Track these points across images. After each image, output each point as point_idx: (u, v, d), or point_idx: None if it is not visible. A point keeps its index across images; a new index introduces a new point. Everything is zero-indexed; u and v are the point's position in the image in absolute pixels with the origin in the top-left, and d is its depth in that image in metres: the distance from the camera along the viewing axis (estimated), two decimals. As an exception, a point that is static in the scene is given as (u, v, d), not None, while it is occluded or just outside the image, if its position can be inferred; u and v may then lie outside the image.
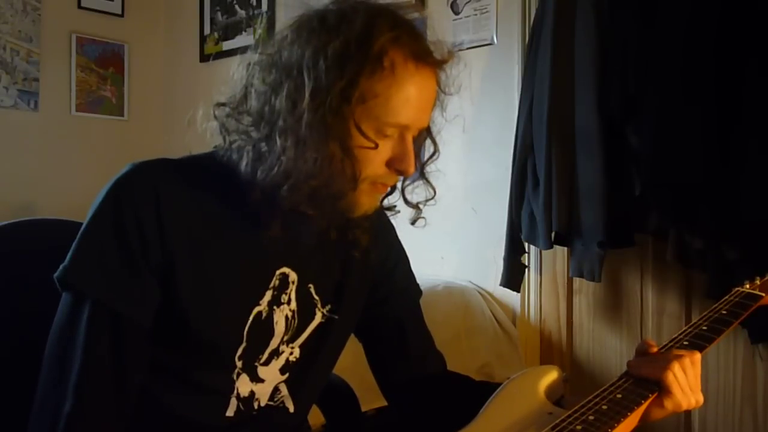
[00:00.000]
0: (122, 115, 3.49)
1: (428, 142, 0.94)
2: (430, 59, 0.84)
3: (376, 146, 0.81)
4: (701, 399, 0.83)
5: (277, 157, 0.79)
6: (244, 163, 0.82)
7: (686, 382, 0.82)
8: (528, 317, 2.27)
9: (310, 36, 0.80)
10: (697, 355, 0.84)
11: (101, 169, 3.13)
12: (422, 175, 0.94)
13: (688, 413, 1.96)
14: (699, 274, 1.86)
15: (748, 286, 1.02)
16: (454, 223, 2.39)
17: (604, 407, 0.78)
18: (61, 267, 0.80)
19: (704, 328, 0.91)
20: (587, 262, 1.87)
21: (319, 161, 0.79)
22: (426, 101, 0.85)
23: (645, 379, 0.83)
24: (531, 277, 2.24)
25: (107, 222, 0.80)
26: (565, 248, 2.02)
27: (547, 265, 2.22)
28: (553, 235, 1.93)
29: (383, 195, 0.92)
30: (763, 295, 0.99)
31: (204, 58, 3.42)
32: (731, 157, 1.65)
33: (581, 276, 1.91)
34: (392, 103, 0.80)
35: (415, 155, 0.85)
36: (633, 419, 0.79)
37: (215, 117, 0.86)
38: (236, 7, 3.28)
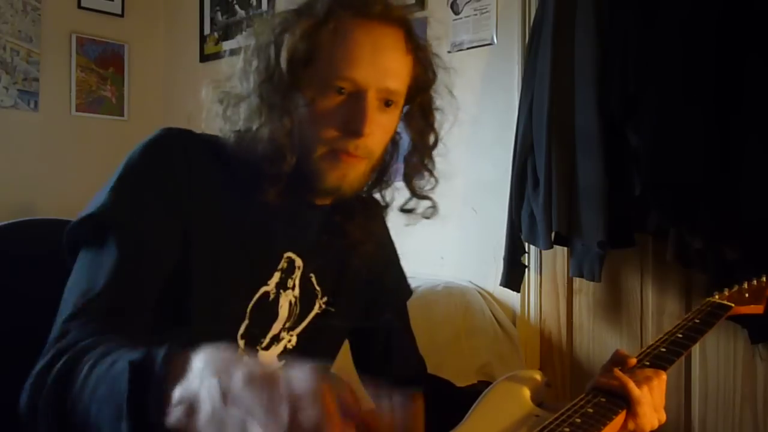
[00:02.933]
0: (122, 115, 3.49)
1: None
2: (374, 13, 0.85)
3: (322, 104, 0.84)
4: (664, 418, 0.87)
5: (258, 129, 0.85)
6: (240, 143, 0.87)
7: (651, 402, 0.86)
8: (528, 317, 2.27)
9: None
10: (663, 375, 0.88)
11: (101, 169, 3.11)
12: (424, 164, 0.95)
13: (688, 413, 1.96)
14: (699, 274, 1.85)
15: (717, 297, 1.07)
16: (454, 223, 2.39)
17: (590, 410, 0.84)
18: (93, 209, 0.79)
19: (680, 335, 0.97)
20: (587, 262, 1.87)
21: (283, 125, 0.84)
22: (376, 57, 0.84)
23: (618, 396, 0.86)
24: (531, 277, 2.23)
25: (143, 168, 0.83)
26: (565, 248, 2.02)
27: (547, 265, 2.22)
28: (553, 235, 1.93)
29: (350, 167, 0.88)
30: (732, 305, 1.05)
31: (204, 58, 3.42)
32: (731, 157, 1.65)
33: (581, 276, 1.91)
34: (335, 59, 0.83)
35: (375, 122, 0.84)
36: (616, 423, 0.84)
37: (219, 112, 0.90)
38: (236, 7, 3.28)
